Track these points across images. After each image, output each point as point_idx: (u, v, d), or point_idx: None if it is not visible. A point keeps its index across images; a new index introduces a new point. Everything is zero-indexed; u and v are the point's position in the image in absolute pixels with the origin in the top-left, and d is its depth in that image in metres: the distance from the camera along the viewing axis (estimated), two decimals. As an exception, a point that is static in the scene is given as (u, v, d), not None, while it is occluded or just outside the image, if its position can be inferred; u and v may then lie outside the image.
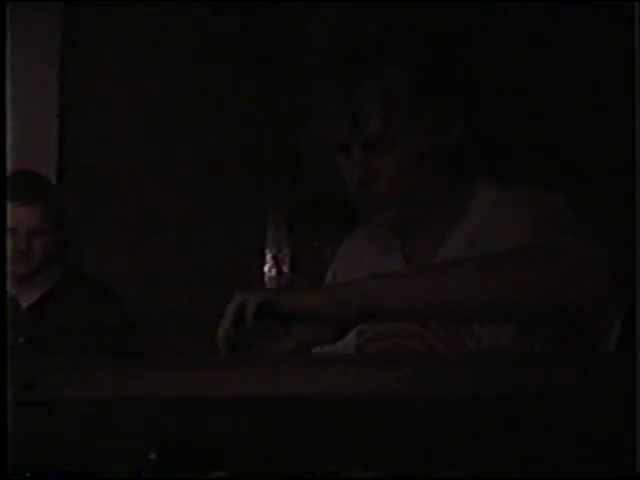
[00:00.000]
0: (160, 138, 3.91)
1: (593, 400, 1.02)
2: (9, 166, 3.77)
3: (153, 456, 1.04)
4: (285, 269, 3.77)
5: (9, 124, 3.87)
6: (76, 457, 1.06)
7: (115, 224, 3.88)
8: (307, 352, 1.44)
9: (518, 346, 1.49)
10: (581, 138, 3.48)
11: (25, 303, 3.14)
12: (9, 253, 3.07)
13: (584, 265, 1.39)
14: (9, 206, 3.02)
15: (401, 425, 1.09)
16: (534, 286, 1.39)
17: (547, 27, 3.66)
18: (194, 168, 3.90)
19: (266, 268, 3.83)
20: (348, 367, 1.14)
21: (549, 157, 3.55)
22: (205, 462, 1.07)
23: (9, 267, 3.08)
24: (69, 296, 3.16)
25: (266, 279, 3.80)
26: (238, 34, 3.89)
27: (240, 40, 3.89)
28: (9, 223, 3.03)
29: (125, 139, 3.91)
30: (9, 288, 3.11)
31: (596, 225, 1.51)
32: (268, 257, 3.83)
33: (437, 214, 1.63)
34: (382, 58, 1.55)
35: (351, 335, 1.64)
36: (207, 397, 1.10)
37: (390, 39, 1.58)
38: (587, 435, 1.02)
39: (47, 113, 3.81)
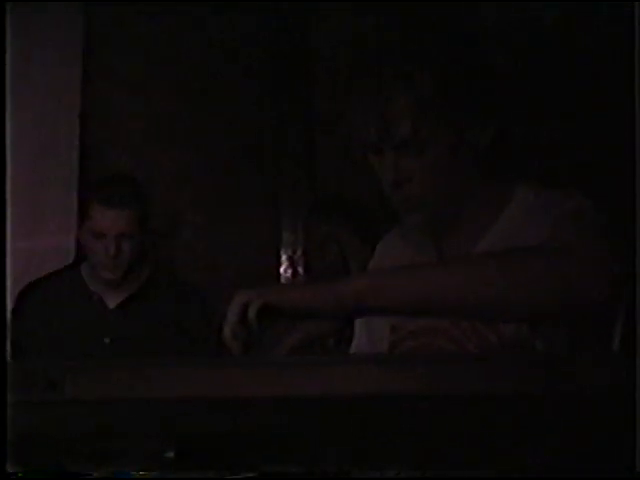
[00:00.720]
0: (177, 142, 3.91)
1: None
2: (35, 171, 3.78)
3: (170, 454, 1.05)
4: (300, 270, 3.77)
5: (32, 129, 3.89)
6: (92, 456, 1.07)
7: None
8: (314, 346, 1.45)
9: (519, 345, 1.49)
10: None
11: (112, 304, 3.10)
12: (97, 258, 3.04)
13: (587, 268, 1.39)
14: (96, 210, 3.03)
15: (412, 424, 1.10)
16: (530, 286, 1.39)
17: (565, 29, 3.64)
18: (211, 172, 3.90)
19: (282, 269, 3.83)
20: (359, 366, 1.14)
21: (578, 158, 3.53)
22: (222, 461, 1.08)
23: (99, 271, 3.04)
24: (155, 298, 3.13)
25: (282, 280, 3.80)
26: (254, 42, 3.90)
27: (255, 47, 3.90)
28: (98, 228, 3.00)
29: (143, 144, 3.92)
30: (96, 289, 3.09)
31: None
32: (284, 258, 3.83)
33: (470, 215, 1.63)
34: (413, 62, 1.54)
35: (385, 331, 1.65)
36: (222, 397, 1.11)
37: (421, 43, 1.58)
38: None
39: (69, 118, 3.82)
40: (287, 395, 1.10)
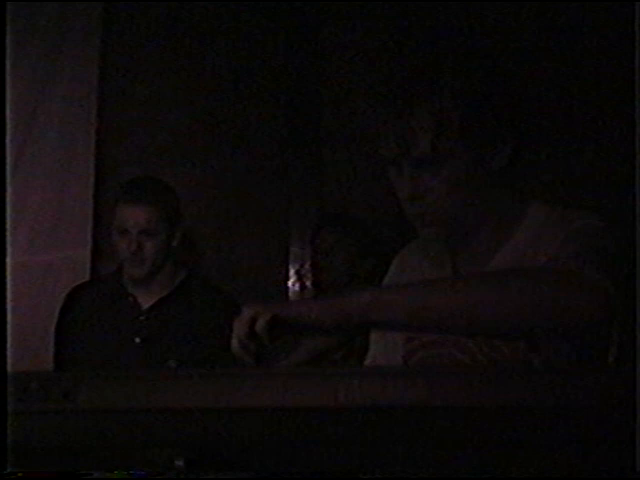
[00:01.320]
0: (190, 159, 3.93)
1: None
2: (47, 182, 3.76)
3: (180, 463, 1.05)
4: (308, 284, 3.77)
5: (50, 147, 3.89)
6: (103, 463, 1.07)
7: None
8: (318, 360, 1.45)
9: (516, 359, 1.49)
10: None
11: (145, 305, 3.09)
12: (123, 255, 3.03)
13: (584, 290, 1.39)
14: (120, 207, 3.02)
15: (415, 434, 1.09)
16: (529, 305, 1.39)
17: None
18: (221, 187, 3.91)
19: (290, 283, 3.83)
20: (363, 378, 1.14)
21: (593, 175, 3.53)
22: (228, 468, 1.08)
23: (126, 269, 3.04)
24: (186, 302, 3.10)
25: (290, 293, 3.81)
26: (265, 60, 3.91)
27: (266, 65, 3.91)
28: (122, 225, 3.00)
29: (156, 161, 3.93)
30: (131, 289, 3.08)
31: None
32: (292, 272, 3.83)
33: (485, 230, 1.63)
34: (434, 81, 1.54)
35: (399, 343, 1.64)
36: (230, 407, 1.11)
37: (442, 63, 1.58)
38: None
39: (86, 136, 3.84)
40: (295, 405, 1.10)
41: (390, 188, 1.62)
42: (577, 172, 3.57)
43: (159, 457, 1.05)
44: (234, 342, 1.41)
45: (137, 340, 3.04)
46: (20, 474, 1.10)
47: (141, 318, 3.08)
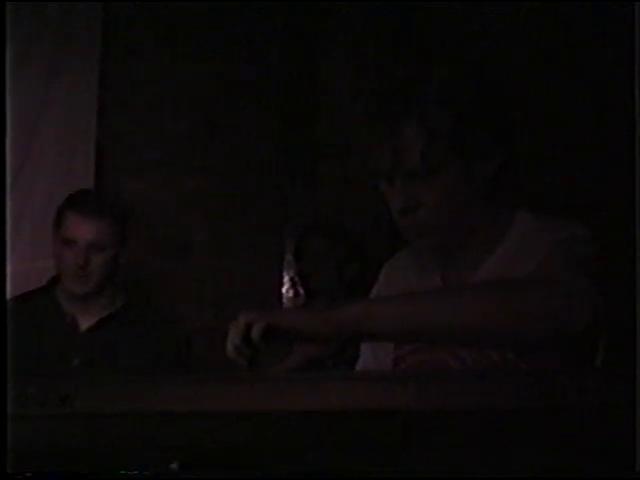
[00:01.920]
0: (187, 170, 3.93)
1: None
2: (49, 193, 3.74)
3: (174, 466, 1.04)
4: (301, 290, 3.78)
5: (51, 158, 3.88)
6: (99, 467, 1.07)
7: (146, 248, 3.90)
8: (310, 367, 1.44)
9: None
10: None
11: (84, 325, 2.89)
12: (66, 270, 2.83)
13: (570, 300, 1.39)
14: (69, 217, 2.82)
15: (406, 437, 1.09)
16: (516, 315, 1.39)
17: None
18: (218, 197, 3.91)
19: (284, 289, 3.83)
20: (355, 382, 1.14)
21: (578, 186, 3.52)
22: (222, 472, 1.08)
23: (67, 284, 2.83)
24: (127, 323, 2.89)
25: (284, 300, 3.81)
26: (262, 74, 3.92)
27: (263, 80, 3.92)
28: (69, 235, 2.81)
29: (155, 169, 3.93)
30: (68, 307, 2.87)
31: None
32: (286, 279, 3.83)
33: (475, 239, 1.62)
34: (423, 97, 1.54)
35: (389, 347, 1.64)
36: (225, 411, 1.10)
37: (430, 77, 1.58)
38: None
39: (85, 142, 3.84)
40: (287, 409, 1.10)
41: (381, 199, 1.62)
42: (565, 181, 3.58)
43: (154, 460, 1.04)
44: (229, 346, 1.41)
45: (76, 362, 2.83)
46: (29, 474, 1.09)
47: (80, 339, 2.87)
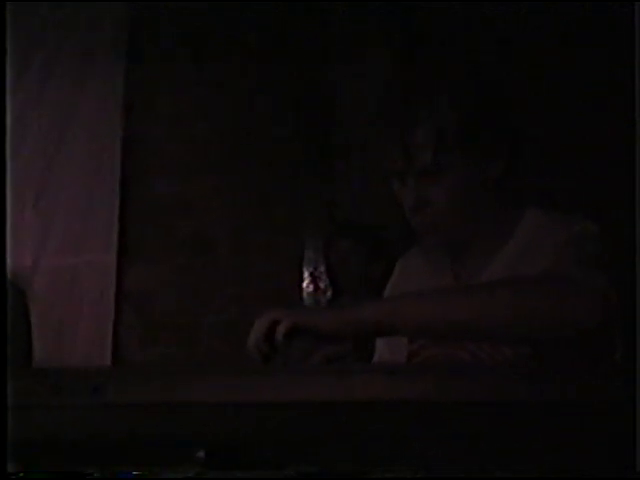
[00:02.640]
0: (210, 171, 3.94)
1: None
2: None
3: (201, 454, 1.05)
4: (321, 285, 3.78)
5: (79, 160, 3.91)
6: (127, 458, 1.07)
7: (170, 246, 3.92)
8: (333, 363, 1.44)
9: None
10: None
11: None
12: None
13: (583, 297, 1.38)
14: None
15: (424, 429, 1.09)
16: (531, 313, 1.39)
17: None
18: (239, 196, 3.93)
19: (304, 284, 3.84)
20: (375, 375, 1.14)
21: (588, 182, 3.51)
22: (247, 462, 1.08)
23: None
24: None
25: (304, 294, 3.82)
26: (277, 79, 3.92)
27: (279, 84, 3.93)
28: None
29: (179, 169, 3.95)
30: None
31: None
32: (306, 274, 3.84)
33: (485, 236, 1.62)
34: (433, 99, 1.55)
35: (404, 341, 1.64)
36: (252, 402, 1.11)
37: (440, 78, 1.59)
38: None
39: (112, 149, 3.86)
40: (310, 400, 1.10)
41: (395, 198, 1.62)
42: (572, 178, 3.56)
43: (182, 451, 1.05)
44: (251, 340, 1.41)
45: None
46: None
47: None
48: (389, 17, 3.82)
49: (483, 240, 1.62)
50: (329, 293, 3.67)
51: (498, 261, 1.60)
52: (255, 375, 1.14)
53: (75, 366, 3.02)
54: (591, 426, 1.01)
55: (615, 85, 2.31)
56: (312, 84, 3.91)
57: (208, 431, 1.10)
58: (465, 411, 1.05)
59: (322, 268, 3.75)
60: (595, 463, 1.00)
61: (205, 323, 3.81)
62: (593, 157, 3.54)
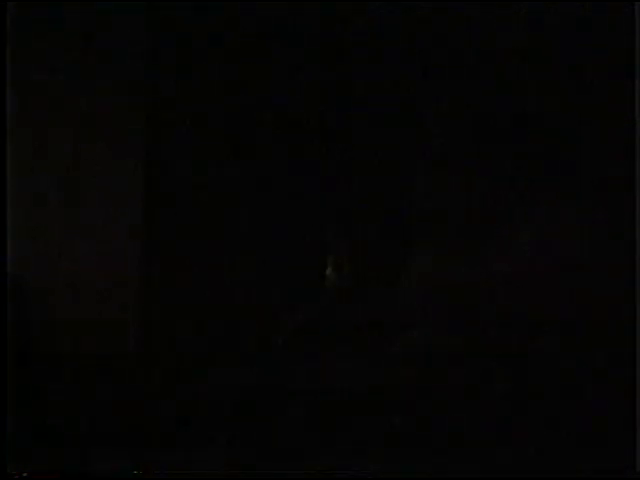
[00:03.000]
0: (235, 163, 3.96)
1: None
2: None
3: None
4: (343, 271, 3.80)
5: (101, 153, 3.96)
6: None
7: (198, 233, 3.95)
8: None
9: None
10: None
11: None
12: None
13: (598, 285, 1.38)
14: None
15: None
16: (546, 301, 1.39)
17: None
18: (264, 187, 3.95)
19: (327, 271, 3.86)
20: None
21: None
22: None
23: None
24: None
25: (326, 281, 3.84)
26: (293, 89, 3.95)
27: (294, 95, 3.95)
28: None
29: (203, 157, 3.98)
30: None
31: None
32: (328, 261, 3.86)
33: (502, 226, 1.63)
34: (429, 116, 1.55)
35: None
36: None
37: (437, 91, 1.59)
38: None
39: (135, 140, 3.91)
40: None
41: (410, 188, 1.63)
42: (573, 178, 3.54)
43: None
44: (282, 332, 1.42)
45: None
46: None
47: None
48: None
49: (493, 232, 1.63)
50: (350, 280, 3.69)
51: (514, 252, 1.61)
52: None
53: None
54: (591, 426, 1.01)
55: (615, 85, 2.30)
56: (326, 89, 3.92)
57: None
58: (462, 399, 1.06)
59: (345, 255, 3.76)
60: (595, 463, 1.01)
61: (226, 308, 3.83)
62: (593, 157, 3.52)
